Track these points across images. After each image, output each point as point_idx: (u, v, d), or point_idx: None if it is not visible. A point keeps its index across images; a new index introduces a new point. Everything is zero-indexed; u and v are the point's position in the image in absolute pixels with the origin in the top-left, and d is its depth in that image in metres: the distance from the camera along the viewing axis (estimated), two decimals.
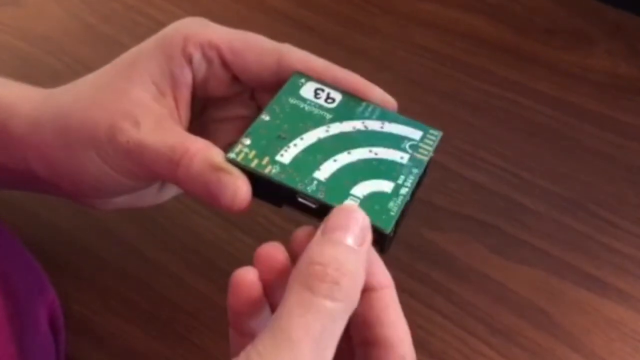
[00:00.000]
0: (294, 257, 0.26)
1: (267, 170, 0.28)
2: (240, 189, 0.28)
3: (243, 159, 0.28)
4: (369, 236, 0.26)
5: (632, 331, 0.39)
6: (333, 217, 0.26)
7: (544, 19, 0.57)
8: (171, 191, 0.36)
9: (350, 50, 0.54)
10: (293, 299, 0.24)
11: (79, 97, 0.31)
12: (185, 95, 0.32)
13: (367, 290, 0.27)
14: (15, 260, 0.35)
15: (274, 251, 0.27)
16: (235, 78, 0.32)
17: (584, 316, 0.39)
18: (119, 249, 0.42)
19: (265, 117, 0.30)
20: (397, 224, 0.28)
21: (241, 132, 0.30)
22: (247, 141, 0.29)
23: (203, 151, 0.28)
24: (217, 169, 0.28)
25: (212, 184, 0.28)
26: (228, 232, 0.43)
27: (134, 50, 0.32)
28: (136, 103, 0.30)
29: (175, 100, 0.31)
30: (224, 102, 0.34)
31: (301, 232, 0.27)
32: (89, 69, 0.33)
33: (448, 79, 0.53)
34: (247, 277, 0.27)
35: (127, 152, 0.29)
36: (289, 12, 0.57)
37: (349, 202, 0.27)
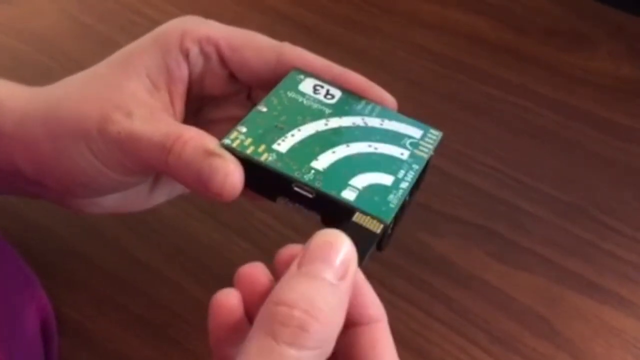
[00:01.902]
0: (277, 277, 0.24)
1: (263, 158, 0.27)
2: (231, 173, 0.27)
3: (239, 145, 0.28)
4: (353, 266, 0.23)
5: (633, 339, 0.38)
6: (312, 245, 0.23)
7: (545, 20, 0.57)
8: (160, 195, 0.35)
9: (350, 50, 0.54)
10: (252, 346, 0.21)
11: (70, 91, 0.30)
12: (180, 90, 0.31)
13: (354, 325, 0.25)
14: (5, 266, 0.34)
15: (255, 272, 0.25)
16: (232, 76, 0.32)
17: (585, 323, 0.39)
18: (112, 253, 0.41)
19: (262, 108, 0.30)
20: (395, 220, 0.27)
21: None
22: (243, 129, 0.28)
23: (196, 138, 0.27)
24: (210, 154, 0.27)
25: (203, 169, 0.27)
26: (224, 236, 0.42)
27: (129, 46, 0.31)
28: (129, 95, 0.29)
29: (170, 95, 0.31)
30: (220, 102, 0.34)
31: (285, 252, 0.25)
32: (83, 68, 0.32)
33: (448, 80, 0.52)
34: (228, 300, 0.25)
35: (118, 143, 0.28)
36: (288, 12, 0.57)
37: (331, 230, 0.24)
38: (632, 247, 0.42)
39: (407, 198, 0.28)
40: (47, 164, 0.30)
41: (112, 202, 0.34)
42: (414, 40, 0.55)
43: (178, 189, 0.35)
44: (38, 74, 0.51)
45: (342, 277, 0.22)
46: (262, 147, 0.28)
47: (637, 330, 0.39)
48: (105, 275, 0.40)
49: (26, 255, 0.37)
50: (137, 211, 0.35)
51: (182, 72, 0.31)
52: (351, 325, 0.24)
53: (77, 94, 0.30)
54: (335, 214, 0.27)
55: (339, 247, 0.23)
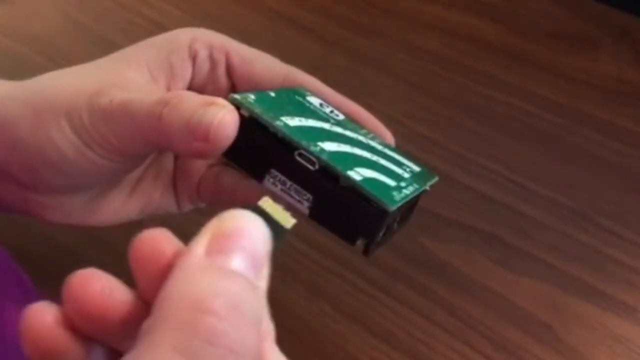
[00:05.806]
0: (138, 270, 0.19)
1: (270, 120, 0.26)
2: (224, 115, 0.24)
3: (248, 104, 0.26)
4: (266, 265, 0.18)
5: (637, 347, 0.38)
6: (224, 229, 0.18)
7: (548, 22, 0.56)
8: (133, 207, 0.33)
9: (350, 52, 0.53)
10: None
11: (64, 75, 0.29)
12: (179, 89, 0.30)
13: None
14: (2, 272, 0.34)
15: (86, 282, 0.19)
16: (233, 90, 0.31)
17: (589, 331, 0.38)
18: (111, 258, 0.40)
19: (271, 93, 0.29)
20: (385, 234, 0.26)
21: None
22: (252, 96, 0.27)
23: (195, 94, 0.26)
24: (209, 103, 0.25)
25: (196, 115, 0.24)
26: None
27: (136, 44, 0.30)
28: (126, 79, 0.28)
29: (169, 90, 0.30)
30: None
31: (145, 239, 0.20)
32: None
33: (449, 83, 0.52)
34: (44, 320, 0.19)
35: (106, 114, 0.26)
36: (288, 13, 0.56)
37: (243, 211, 0.19)
38: (637, 253, 0.42)
39: (398, 225, 0.27)
40: (20, 144, 0.28)
41: (79, 209, 0.31)
42: (415, 42, 0.54)
43: (153, 204, 0.33)
44: (35, 74, 0.50)
45: (257, 275, 0.18)
46: (270, 114, 0.26)
47: None
48: None
49: (24, 261, 0.36)
50: (104, 225, 0.33)
51: (185, 73, 0.30)
52: None
53: (71, 76, 0.29)
54: (332, 196, 0.25)
55: (256, 236, 0.18)
